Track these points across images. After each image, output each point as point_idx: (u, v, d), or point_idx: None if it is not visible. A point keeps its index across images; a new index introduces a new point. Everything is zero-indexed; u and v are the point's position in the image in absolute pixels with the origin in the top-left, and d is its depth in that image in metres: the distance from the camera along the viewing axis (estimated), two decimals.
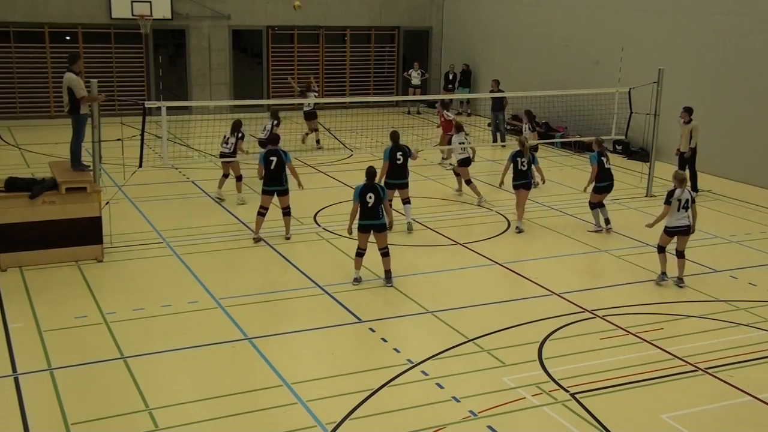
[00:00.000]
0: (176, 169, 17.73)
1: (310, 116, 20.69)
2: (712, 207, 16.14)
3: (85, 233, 11.96)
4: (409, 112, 26.79)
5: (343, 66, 27.56)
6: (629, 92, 16.93)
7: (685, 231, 11.42)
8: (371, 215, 11.18)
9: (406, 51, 28.19)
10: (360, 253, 11.41)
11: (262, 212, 13.12)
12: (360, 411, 8.04)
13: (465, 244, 13.21)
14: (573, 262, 12.94)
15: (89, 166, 12.49)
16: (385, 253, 11.35)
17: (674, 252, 11.63)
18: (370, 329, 10.02)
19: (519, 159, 13.90)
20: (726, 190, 16.76)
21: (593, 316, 10.54)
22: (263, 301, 10.84)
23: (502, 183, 14.49)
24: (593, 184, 13.88)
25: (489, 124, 24.44)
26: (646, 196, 16.58)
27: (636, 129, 18.33)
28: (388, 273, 11.41)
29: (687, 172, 16.43)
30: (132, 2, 23.69)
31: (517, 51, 24.69)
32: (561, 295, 11.21)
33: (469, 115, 26.34)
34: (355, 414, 7.98)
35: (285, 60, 26.54)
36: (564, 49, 22.68)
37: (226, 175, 15.78)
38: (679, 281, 11.55)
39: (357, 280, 11.42)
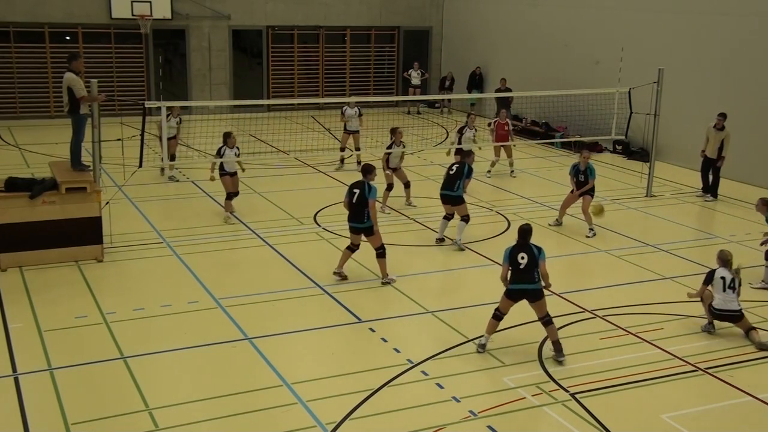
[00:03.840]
0: (176, 169, 17.71)
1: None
2: (712, 207, 16.15)
3: (85, 233, 11.96)
4: (409, 112, 26.80)
5: (343, 66, 27.56)
6: (629, 92, 16.93)
7: (737, 316, 9.87)
8: (524, 278, 9.18)
9: (406, 51, 28.19)
10: (497, 317, 9.44)
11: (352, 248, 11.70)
12: (360, 411, 8.04)
13: (465, 244, 13.20)
14: (573, 262, 12.95)
15: (89, 166, 12.49)
16: (547, 322, 9.29)
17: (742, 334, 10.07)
18: (370, 329, 10.02)
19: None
20: (726, 190, 16.75)
21: (593, 316, 10.54)
22: (263, 301, 10.84)
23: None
24: None
25: (489, 124, 24.44)
26: (646, 196, 16.59)
27: (636, 129, 18.33)
28: (556, 344, 9.28)
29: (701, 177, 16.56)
30: (132, 2, 23.70)
31: (517, 51, 24.70)
32: (561, 295, 11.21)
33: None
34: (355, 414, 7.98)
35: (285, 60, 26.55)
36: (564, 49, 22.68)
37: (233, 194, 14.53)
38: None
39: (482, 347, 9.46)
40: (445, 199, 13.25)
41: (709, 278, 10.00)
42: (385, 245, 11.51)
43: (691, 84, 18.83)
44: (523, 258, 9.21)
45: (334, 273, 11.59)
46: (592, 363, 9.17)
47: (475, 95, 24.95)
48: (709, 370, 9.08)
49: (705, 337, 9.98)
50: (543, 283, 9.29)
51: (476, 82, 25.95)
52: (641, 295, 11.26)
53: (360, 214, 11.30)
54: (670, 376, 8.94)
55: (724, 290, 9.86)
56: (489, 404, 8.22)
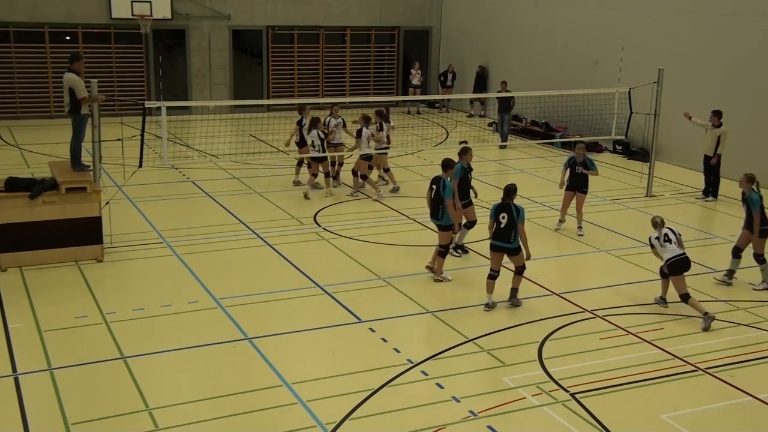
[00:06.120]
0: (176, 169, 17.73)
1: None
2: (712, 207, 16.15)
3: (85, 233, 11.96)
4: (409, 112, 26.82)
5: (343, 66, 27.57)
6: (629, 92, 16.94)
7: (685, 262, 10.44)
8: (502, 237, 10.46)
9: (406, 51, 28.20)
10: (492, 276, 10.63)
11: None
12: (360, 411, 8.04)
13: (465, 244, 13.20)
14: (573, 262, 12.94)
15: (89, 166, 12.49)
16: (519, 271, 10.65)
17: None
18: (370, 329, 10.02)
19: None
20: (725, 190, 16.75)
21: (593, 316, 10.54)
22: (263, 301, 10.84)
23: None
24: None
25: (489, 124, 24.47)
26: (646, 196, 16.59)
27: (636, 129, 18.34)
28: (514, 290, 10.72)
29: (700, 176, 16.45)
30: (132, 2, 23.70)
31: (517, 51, 24.70)
32: (561, 295, 11.21)
33: (482, 116, 26.22)
34: (355, 414, 7.98)
35: (285, 60, 26.55)
36: (564, 49, 22.68)
37: (315, 174, 15.93)
38: (661, 301, 10.94)
39: (488, 306, 10.59)
40: None
41: (651, 242, 10.79)
42: (449, 247, 11.71)
43: (691, 84, 18.82)
44: (503, 218, 10.43)
45: (436, 280, 11.64)
46: (592, 363, 9.17)
47: (476, 95, 25.01)
48: (709, 370, 9.08)
49: (705, 337, 9.98)
50: (521, 243, 10.44)
51: (478, 82, 25.96)
52: (641, 295, 11.26)
53: (435, 210, 11.51)
54: (670, 376, 8.94)
55: (662, 245, 10.58)
56: (489, 404, 8.22)
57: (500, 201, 10.59)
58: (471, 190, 12.68)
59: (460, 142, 12.97)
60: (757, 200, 11.49)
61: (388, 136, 16.34)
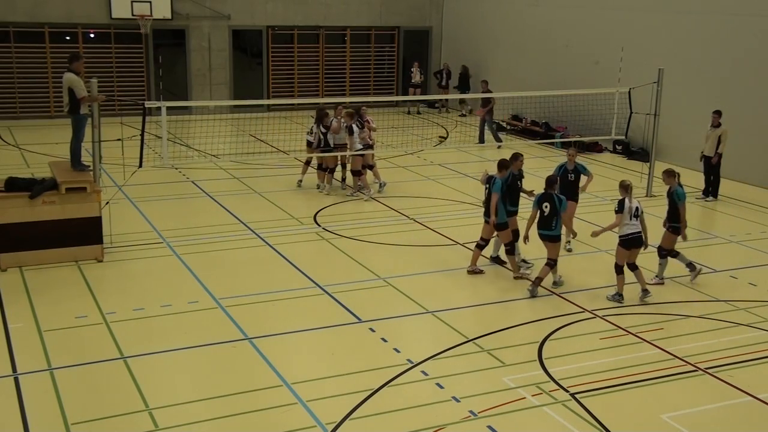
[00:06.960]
0: (176, 169, 17.73)
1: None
2: (712, 207, 16.15)
3: (85, 233, 11.96)
4: (409, 112, 26.81)
5: (343, 66, 27.57)
6: (629, 92, 16.94)
7: (639, 240, 10.86)
8: (544, 225, 11.06)
9: (406, 51, 28.21)
10: (549, 263, 11.15)
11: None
12: (360, 411, 8.04)
13: (465, 244, 13.20)
14: (573, 262, 12.94)
15: (89, 166, 12.49)
16: (549, 264, 11.13)
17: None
18: (370, 329, 10.02)
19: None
20: (725, 190, 16.75)
21: (593, 316, 10.54)
22: (263, 301, 10.83)
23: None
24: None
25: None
26: (646, 196, 16.56)
27: (636, 129, 18.33)
28: (537, 280, 11.12)
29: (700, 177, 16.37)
30: (132, 2, 23.70)
31: (517, 51, 24.70)
32: (561, 295, 11.21)
33: (471, 112, 26.28)
34: (355, 414, 7.98)
35: (285, 60, 26.56)
36: (564, 49, 22.68)
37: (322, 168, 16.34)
38: (645, 293, 10.98)
39: (543, 287, 11.20)
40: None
41: (621, 206, 10.87)
42: (514, 243, 11.81)
43: (691, 84, 18.83)
44: (546, 207, 10.99)
45: (468, 272, 11.88)
46: (592, 363, 9.17)
47: (462, 95, 25.03)
48: (709, 370, 9.08)
49: (705, 337, 9.98)
50: (564, 230, 11.18)
51: (462, 81, 25.99)
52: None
53: (488, 209, 11.71)
54: (670, 376, 8.94)
55: (630, 219, 10.82)
56: (489, 404, 8.22)
57: (543, 191, 11.09)
58: (523, 194, 12.23)
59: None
60: (683, 194, 11.58)
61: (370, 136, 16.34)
